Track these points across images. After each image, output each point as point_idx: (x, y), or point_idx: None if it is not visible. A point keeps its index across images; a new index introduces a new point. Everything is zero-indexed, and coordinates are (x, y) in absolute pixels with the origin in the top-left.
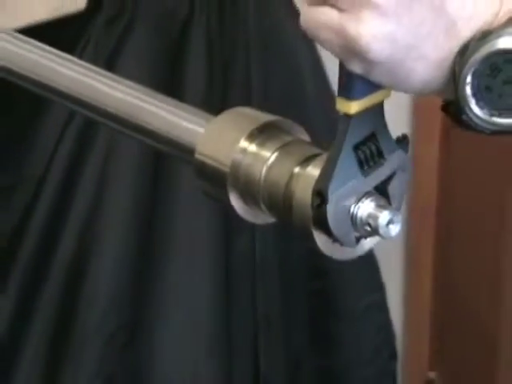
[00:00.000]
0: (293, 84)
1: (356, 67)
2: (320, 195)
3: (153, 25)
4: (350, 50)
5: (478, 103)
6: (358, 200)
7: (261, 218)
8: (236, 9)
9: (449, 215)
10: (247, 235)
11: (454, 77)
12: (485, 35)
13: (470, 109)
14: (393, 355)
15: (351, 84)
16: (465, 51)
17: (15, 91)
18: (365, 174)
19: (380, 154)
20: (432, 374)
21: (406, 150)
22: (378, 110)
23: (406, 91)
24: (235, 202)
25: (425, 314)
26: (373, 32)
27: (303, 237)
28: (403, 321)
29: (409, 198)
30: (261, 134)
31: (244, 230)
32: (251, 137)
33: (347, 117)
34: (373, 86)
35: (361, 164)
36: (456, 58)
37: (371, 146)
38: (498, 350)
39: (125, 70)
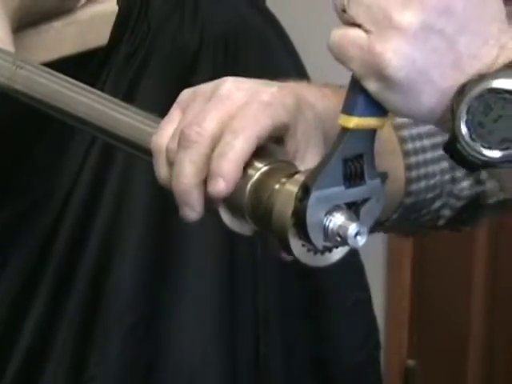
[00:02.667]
0: None
1: (371, 84)
2: (305, 188)
3: (166, 59)
4: (371, 65)
5: (471, 136)
6: (333, 210)
7: (247, 229)
8: (239, 47)
9: None
10: (249, 238)
11: (452, 111)
12: (481, 77)
13: (465, 141)
14: (377, 345)
15: (356, 102)
16: (462, 90)
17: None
18: (347, 186)
19: (362, 176)
20: (411, 362)
21: (383, 182)
22: (370, 136)
23: (412, 116)
24: (224, 214)
25: (404, 309)
26: (395, 49)
27: (281, 244)
28: (385, 315)
29: None
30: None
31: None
32: None
33: (345, 130)
34: (374, 110)
35: (345, 177)
36: (454, 95)
37: (357, 166)
38: (468, 340)
39: (142, 100)
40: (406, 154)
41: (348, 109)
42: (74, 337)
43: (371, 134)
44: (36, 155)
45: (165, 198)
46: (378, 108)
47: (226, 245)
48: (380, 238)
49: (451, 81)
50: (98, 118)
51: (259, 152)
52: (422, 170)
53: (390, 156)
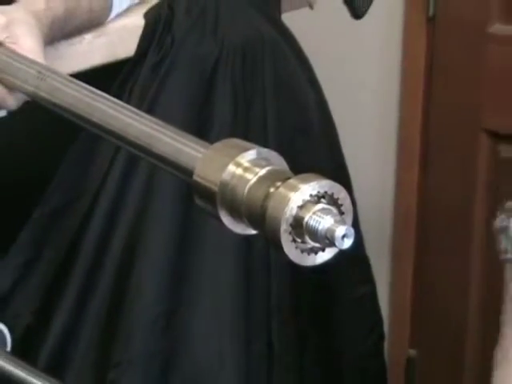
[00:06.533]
0: (301, 118)
1: None
2: None
3: (188, 68)
4: None
5: None
6: (322, 212)
7: (245, 230)
8: (255, 56)
9: (427, 221)
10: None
11: None
12: None
13: None
14: (381, 336)
15: None
16: None
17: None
18: None
19: None
20: (412, 352)
21: None
22: None
23: None
24: (224, 216)
25: (406, 301)
26: None
27: (273, 245)
28: (388, 307)
29: (394, 207)
30: (246, 160)
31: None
32: (237, 163)
33: None
34: None
35: None
36: None
37: None
38: (465, 330)
39: (166, 106)
40: None
41: None
42: (100, 327)
43: None
44: (66, 161)
45: (187, 200)
46: None
47: (243, 243)
48: (385, 233)
49: None
50: (110, 121)
51: (257, 158)
52: None
53: None
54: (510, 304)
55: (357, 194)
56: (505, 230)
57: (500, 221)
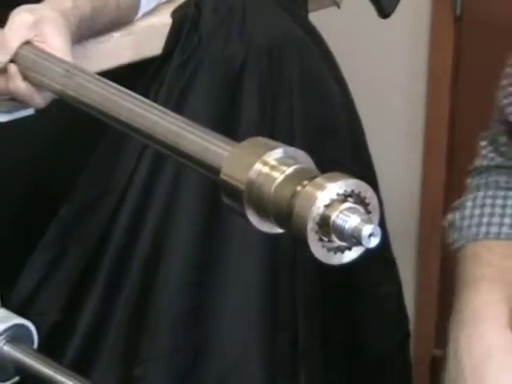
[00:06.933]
0: (327, 117)
1: None
2: None
3: (215, 68)
4: None
5: None
6: (348, 211)
7: (272, 228)
8: (282, 55)
9: None
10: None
11: None
12: None
13: None
14: (407, 334)
15: None
16: None
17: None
18: None
19: None
20: (437, 351)
21: None
22: None
23: None
24: (251, 215)
25: (432, 301)
26: None
27: (300, 244)
28: (414, 307)
29: (420, 207)
30: (273, 159)
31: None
32: (264, 161)
33: None
34: None
35: None
36: None
37: None
38: None
39: (193, 105)
40: None
41: None
42: (127, 324)
43: None
44: (93, 159)
45: (213, 198)
46: None
47: (269, 241)
48: (411, 232)
49: None
50: (136, 120)
51: (283, 156)
52: None
53: None
54: (462, 286)
55: (383, 194)
56: (452, 223)
57: (447, 219)
